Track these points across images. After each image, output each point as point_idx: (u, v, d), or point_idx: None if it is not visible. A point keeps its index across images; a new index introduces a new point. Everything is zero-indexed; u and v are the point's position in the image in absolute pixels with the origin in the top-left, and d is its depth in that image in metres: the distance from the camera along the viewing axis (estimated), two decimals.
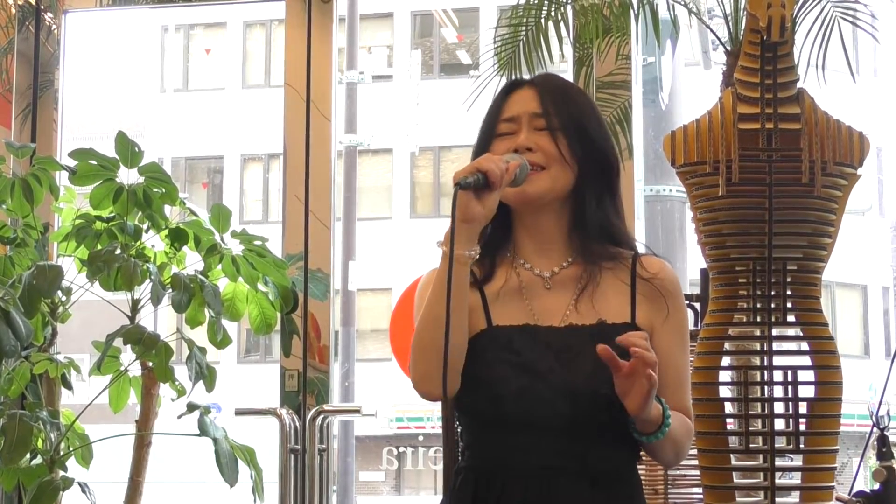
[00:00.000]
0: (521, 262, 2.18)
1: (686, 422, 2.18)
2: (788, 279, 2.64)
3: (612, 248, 2.17)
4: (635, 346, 1.95)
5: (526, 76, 3.80)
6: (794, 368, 2.68)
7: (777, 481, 2.66)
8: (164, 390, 3.62)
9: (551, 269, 2.17)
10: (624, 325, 2.10)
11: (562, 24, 3.90)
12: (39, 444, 3.50)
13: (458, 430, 2.26)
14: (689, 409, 2.21)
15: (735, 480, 2.69)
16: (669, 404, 2.10)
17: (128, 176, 3.62)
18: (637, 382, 1.97)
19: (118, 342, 3.45)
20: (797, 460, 2.67)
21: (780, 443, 2.68)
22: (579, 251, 2.16)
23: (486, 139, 2.18)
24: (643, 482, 2.77)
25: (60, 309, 3.68)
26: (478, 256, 2.05)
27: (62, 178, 3.83)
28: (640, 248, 2.25)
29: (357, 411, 4.13)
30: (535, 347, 2.09)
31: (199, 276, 3.55)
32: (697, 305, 3.29)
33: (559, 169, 2.14)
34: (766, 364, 2.66)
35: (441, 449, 2.48)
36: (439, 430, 2.50)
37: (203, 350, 3.52)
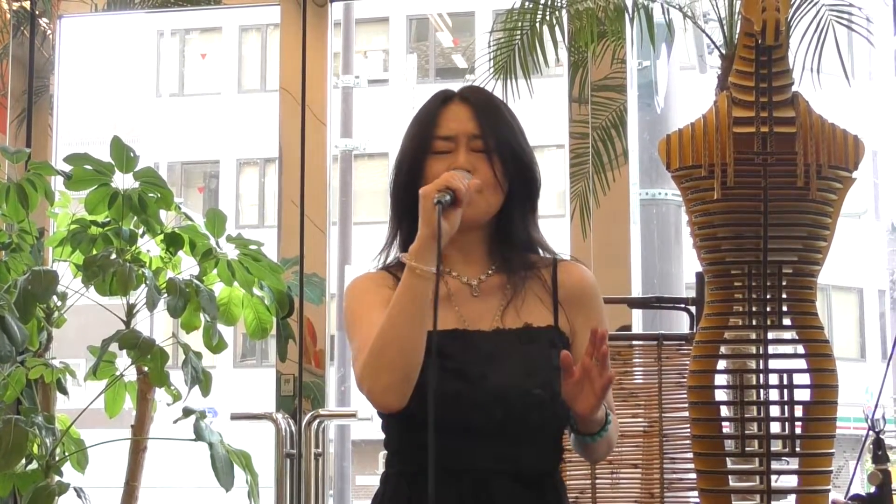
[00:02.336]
0: (448, 271, 2.21)
1: (615, 420, 2.23)
2: (784, 282, 2.64)
3: (530, 258, 2.22)
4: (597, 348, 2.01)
5: (536, 80, 3.84)
6: (790, 372, 2.68)
7: (773, 485, 2.66)
8: (160, 395, 3.62)
9: (478, 276, 2.22)
10: (548, 329, 2.16)
11: (557, 28, 3.90)
12: (35, 449, 3.49)
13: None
14: (612, 403, 2.25)
15: (731, 484, 2.69)
16: None
17: (123, 181, 3.62)
18: (587, 386, 2.02)
19: (114, 347, 3.44)
20: (793, 463, 2.67)
21: (776, 446, 2.68)
22: (501, 263, 2.21)
23: (421, 154, 2.20)
24: (640, 486, 2.77)
25: (56, 314, 3.67)
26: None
27: (57, 182, 3.83)
28: (565, 256, 2.28)
29: (353, 416, 4.13)
30: (466, 351, 2.13)
31: (195, 281, 3.55)
32: (693, 309, 3.30)
33: (492, 192, 2.18)
34: (761, 367, 2.66)
35: None
36: None
37: (199, 355, 3.51)
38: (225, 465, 3.46)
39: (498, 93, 3.87)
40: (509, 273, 2.20)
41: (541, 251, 2.25)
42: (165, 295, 3.47)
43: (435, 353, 2.02)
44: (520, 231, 2.21)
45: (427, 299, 2.05)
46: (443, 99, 2.24)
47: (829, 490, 2.67)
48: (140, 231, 3.63)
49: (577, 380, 2.02)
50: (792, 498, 2.68)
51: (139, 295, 3.54)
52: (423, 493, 2.05)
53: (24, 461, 3.47)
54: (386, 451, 2.22)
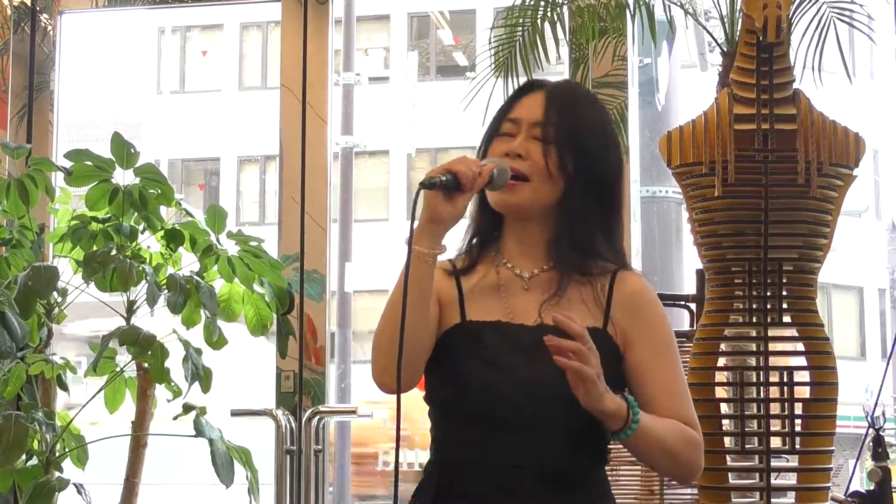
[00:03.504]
0: (504, 261, 2.19)
1: (681, 428, 2.13)
2: (784, 280, 2.64)
3: (590, 263, 2.16)
4: (563, 324, 1.96)
5: (540, 77, 3.84)
6: (790, 369, 2.68)
7: (773, 482, 2.66)
8: (160, 391, 3.62)
9: (531, 270, 2.18)
10: (593, 330, 2.07)
11: (558, 25, 3.90)
12: (35, 445, 3.50)
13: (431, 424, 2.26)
14: (691, 419, 2.16)
15: (731, 481, 2.69)
16: (662, 415, 2.09)
17: (123, 177, 3.61)
18: (571, 373, 1.98)
19: (114, 343, 3.44)
20: (793, 461, 2.67)
21: (776, 443, 2.68)
22: (558, 260, 2.17)
23: (490, 135, 2.20)
24: (639, 483, 2.77)
25: (56, 310, 3.67)
26: (443, 253, 2.06)
27: (58, 179, 3.83)
28: (635, 265, 2.24)
29: (353, 412, 4.13)
30: (504, 344, 2.10)
31: (195, 277, 3.54)
32: (693, 306, 3.30)
33: (542, 182, 2.14)
34: (761, 364, 2.67)
35: None
36: None
37: (199, 351, 3.51)
38: (225, 461, 3.46)
39: (498, 90, 3.87)
40: (563, 272, 2.15)
41: (608, 259, 2.18)
42: (166, 291, 3.47)
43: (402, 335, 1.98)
44: (575, 230, 2.15)
45: (427, 282, 2.04)
46: (527, 86, 2.23)
47: (828, 487, 2.68)
48: (140, 227, 3.63)
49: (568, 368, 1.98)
50: (792, 495, 2.68)
51: (139, 291, 3.54)
52: (452, 483, 2.08)
53: (24, 457, 3.47)
54: (431, 437, 2.20)
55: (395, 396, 2.03)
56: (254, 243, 3.64)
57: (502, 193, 2.12)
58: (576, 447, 2.09)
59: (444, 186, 2.00)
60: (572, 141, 2.14)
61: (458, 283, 2.17)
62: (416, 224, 2.04)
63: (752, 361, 2.74)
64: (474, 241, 2.20)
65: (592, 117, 2.21)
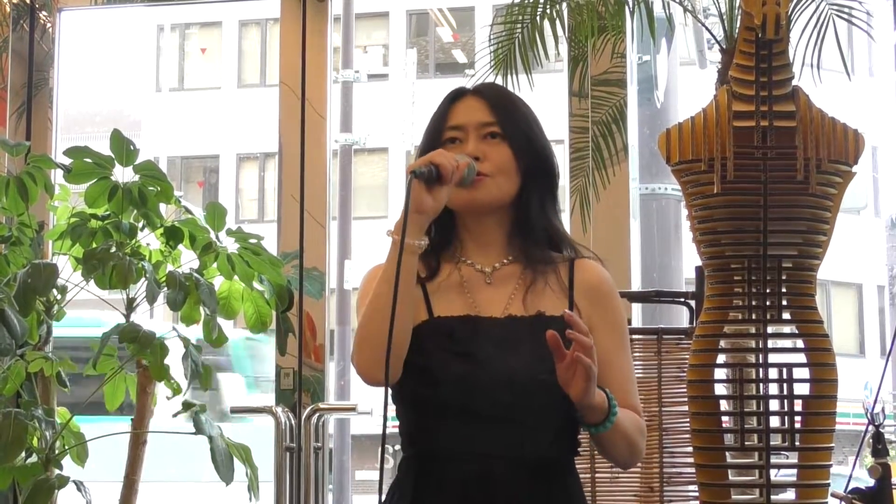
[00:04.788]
0: (464, 259, 2.23)
1: (636, 418, 2.21)
2: (783, 277, 2.64)
3: (550, 253, 2.23)
4: (574, 330, 1.99)
5: (539, 75, 3.84)
6: (790, 366, 2.68)
7: (772, 479, 2.66)
8: (160, 388, 3.62)
9: (492, 265, 2.23)
10: (561, 318, 2.11)
11: (557, 22, 3.90)
12: (34, 442, 3.50)
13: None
14: (638, 407, 2.23)
15: (730, 478, 2.69)
16: (619, 403, 2.14)
17: (123, 174, 3.61)
18: (578, 369, 2.01)
19: (113, 340, 3.44)
20: (792, 458, 2.67)
21: (776, 440, 2.68)
22: (519, 253, 2.22)
23: (432, 146, 2.22)
24: (639, 480, 2.77)
25: (55, 307, 3.67)
26: (426, 247, 2.09)
27: (57, 176, 3.82)
28: (586, 252, 2.28)
29: (352, 409, 4.13)
30: (475, 337, 2.13)
31: (195, 275, 3.54)
32: (693, 303, 3.30)
33: (505, 177, 2.20)
34: (761, 361, 2.66)
35: None
36: None
37: (198, 348, 3.51)
38: (225, 458, 3.46)
39: None
40: (526, 263, 2.21)
41: (562, 247, 2.25)
42: (165, 288, 3.47)
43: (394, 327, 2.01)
44: (537, 220, 2.22)
45: (411, 273, 2.07)
46: (455, 95, 2.27)
47: (828, 484, 2.68)
48: (140, 224, 3.63)
49: (569, 363, 2.01)
50: (791, 492, 2.68)
51: (139, 288, 3.54)
52: (430, 476, 2.11)
53: (23, 454, 3.47)
54: (402, 433, 2.22)
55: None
56: (253, 241, 3.64)
57: (468, 191, 2.16)
58: (555, 434, 2.14)
59: (430, 178, 2.05)
60: (522, 136, 2.22)
61: (423, 286, 2.20)
62: (400, 216, 2.07)
63: (752, 358, 2.74)
64: (429, 248, 2.19)
65: (528, 113, 2.28)
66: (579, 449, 2.22)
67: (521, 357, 2.10)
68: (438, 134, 2.23)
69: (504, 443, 2.10)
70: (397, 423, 2.22)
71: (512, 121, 2.22)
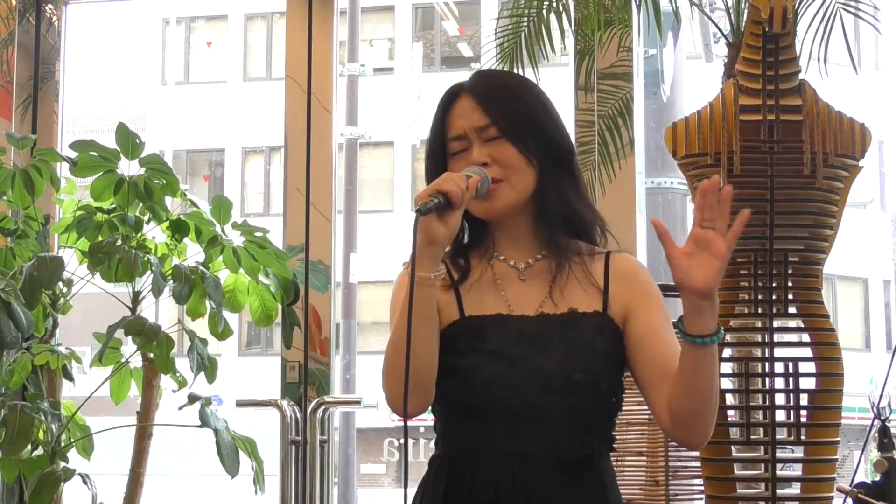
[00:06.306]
0: (497, 254, 2.20)
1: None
2: (790, 271, 2.64)
3: (580, 244, 2.19)
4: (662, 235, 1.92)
5: (543, 68, 3.79)
6: (795, 360, 2.68)
7: (778, 472, 2.66)
8: (166, 382, 3.62)
9: (526, 260, 2.19)
10: (595, 314, 2.11)
11: (563, 16, 3.89)
12: (40, 435, 3.50)
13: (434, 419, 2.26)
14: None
15: (736, 472, 2.69)
16: None
17: (129, 167, 3.62)
18: (703, 256, 1.93)
19: (119, 334, 3.45)
20: (798, 452, 2.67)
21: (781, 434, 2.68)
22: (547, 245, 2.18)
23: (440, 160, 2.18)
24: (644, 474, 2.76)
25: (61, 300, 3.68)
26: (443, 274, 2.05)
27: (63, 169, 3.83)
28: (641, 256, 2.24)
29: (358, 403, 4.13)
30: (507, 336, 2.10)
31: (200, 268, 3.55)
32: None
33: (519, 176, 2.14)
34: (767, 355, 2.66)
35: None
36: None
37: (204, 341, 3.52)
38: (230, 451, 3.47)
39: None
40: (557, 258, 2.16)
41: (591, 233, 2.19)
42: (171, 281, 3.47)
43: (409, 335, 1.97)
44: (556, 205, 2.16)
45: (430, 305, 2.03)
46: (448, 97, 2.21)
47: (833, 478, 2.67)
48: (146, 218, 3.63)
49: (690, 252, 1.94)
50: (797, 486, 2.68)
51: (145, 282, 3.55)
52: (463, 476, 2.08)
53: (29, 447, 3.48)
54: (435, 432, 2.20)
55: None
56: (259, 234, 3.64)
57: (485, 202, 2.12)
58: (590, 432, 2.10)
59: (438, 208, 1.98)
60: (524, 124, 2.14)
61: (455, 288, 2.16)
62: (413, 250, 2.00)
63: (758, 352, 2.74)
64: (459, 249, 2.17)
65: (528, 93, 2.20)
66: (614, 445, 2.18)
67: (552, 356, 2.07)
68: (442, 149, 2.17)
69: (540, 443, 2.07)
70: (425, 418, 2.21)
71: (507, 117, 2.14)
